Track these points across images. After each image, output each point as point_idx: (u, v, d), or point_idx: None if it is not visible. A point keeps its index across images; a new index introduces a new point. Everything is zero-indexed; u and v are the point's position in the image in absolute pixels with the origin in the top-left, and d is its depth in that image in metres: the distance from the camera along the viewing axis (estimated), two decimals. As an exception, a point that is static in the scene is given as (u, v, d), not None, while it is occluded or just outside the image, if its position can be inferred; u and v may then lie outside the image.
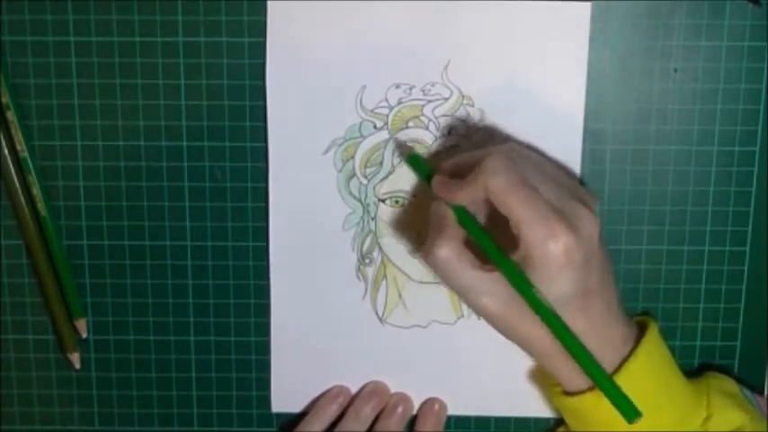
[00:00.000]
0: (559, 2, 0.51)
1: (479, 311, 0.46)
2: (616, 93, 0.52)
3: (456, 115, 0.52)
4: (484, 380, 0.55)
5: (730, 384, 0.51)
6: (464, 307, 0.54)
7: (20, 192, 0.53)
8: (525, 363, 0.55)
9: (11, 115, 0.52)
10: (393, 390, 0.55)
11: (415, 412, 0.56)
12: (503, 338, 0.54)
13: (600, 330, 0.46)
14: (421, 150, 0.52)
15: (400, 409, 0.55)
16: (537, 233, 0.43)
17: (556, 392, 0.50)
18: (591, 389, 0.47)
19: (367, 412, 0.54)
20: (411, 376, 0.55)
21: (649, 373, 0.47)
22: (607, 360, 0.46)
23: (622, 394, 0.44)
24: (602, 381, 0.44)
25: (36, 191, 0.53)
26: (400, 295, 0.54)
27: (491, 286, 0.45)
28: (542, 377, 0.54)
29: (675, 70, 0.52)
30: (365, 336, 0.55)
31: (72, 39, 0.52)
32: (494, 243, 0.45)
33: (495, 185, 0.43)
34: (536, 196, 0.43)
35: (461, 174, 0.46)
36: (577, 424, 0.50)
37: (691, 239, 0.53)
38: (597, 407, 0.46)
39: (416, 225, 0.53)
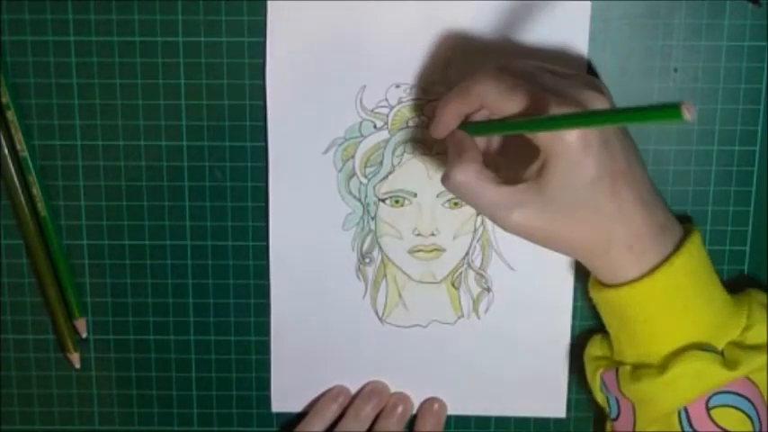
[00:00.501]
0: (559, 1, 0.51)
1: (513, 228, 0.45)
2: (616, 93, 0.51)
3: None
4: (484, 380, 0.55)
5: None
6: (464, 307, 0.54)
7: (20, 191, 0.53)
8: (525, 362, 0.55)
9: (11, 115, 0.52)
10: (393, 389, 0.55)
11: (414, 412, 0.56)
12: (503, 338, 0.54)
13: (632, 214, 0.45)
14: (419, 151, 0.52)
15: (400, 409, 0.55)
16: (546, 134, 0.42)
17: (594, 284, 0.49)
18: (625, 283, 0.46)
19: (367, 412, 0.54)
20: (411, 376, 0.55)
21: (692, 273, 0.46)
22: (645, 247, 0.45)
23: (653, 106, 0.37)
24: (625, 113, 0.39)
25: (36, 190, 0.53)
26: (400, 295, 0.54)
27: (519, 198, 0.45)
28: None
29: (675, 70, 0.52)
30: (365, 335, 0.55)
31: (72, 38, 0.52)
32: (517, 119, 0.43)
33: (490, 96, 0.44)
34: (536, 93, 0.43)
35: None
36: (611, 318, 0.49)
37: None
38: (631, 300, 0.46)
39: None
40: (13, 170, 0.53)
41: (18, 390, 0.56)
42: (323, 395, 0.55)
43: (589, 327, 0.54)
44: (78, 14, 0.52)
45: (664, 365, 0.46)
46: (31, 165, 0.53)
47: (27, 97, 0.53)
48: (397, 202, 0.53)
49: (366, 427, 0.54)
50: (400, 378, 0.55)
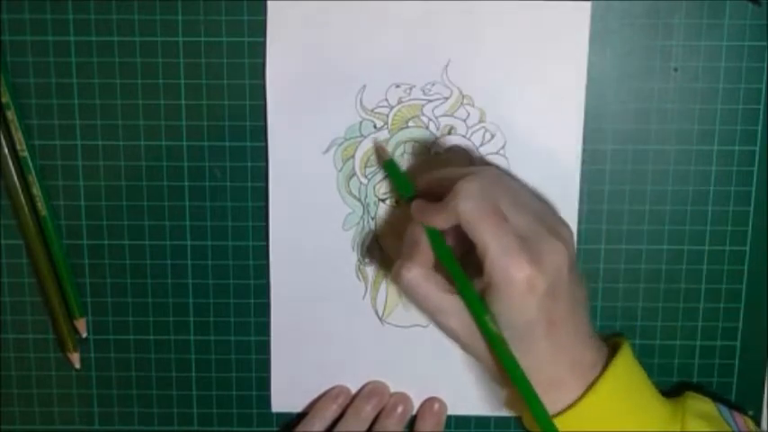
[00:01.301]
0: (559, 1, 0.51)
1: (447, 333, 0.47)
2: (616, 92, 0.52)
3: (456, 116, 0.52)
4: (484, 380, 0.55)
5: (707, 405, 0.51)
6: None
7: (20, 191, 0.53)
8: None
9: (11, 115, 0.52)
10: (393, 389, 0.55)
11: (415, 412, 0.56)
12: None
13: (566, 356, 0.46)
14: (419, 151, 0.52)
15: (400, 409, 0.55)
16: (500, 262, 0.43)
17: (528, 419, 0.50)
18: (554, 415, 0.47)
19: (367, 412, 0.54)
20: (411, 376, 0.55)
21: (618, 395, 0.47)
22: (575, 383, 0.47)
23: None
24: (539, 414, 0.45)
25: (36, 190, 0.53)
26: (400, 295, 0.54)
27: (455, 310, 0.46)
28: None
29: (675, 70, 0.52)
30: (365, 335, 0.55)
31: (72, 38, 0.52)
32: (458, 267, 0.46)
33: (465, 211, 0.44)
34: (504, 226, 0.44)
35: (439, 189, 0.47)
36: None
37: (691, 239, 0.53)
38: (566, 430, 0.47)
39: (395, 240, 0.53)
40: (13, 170, 0.53)
41: (18, 389, 0.56)
42: (323, 395, 0.55)
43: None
44: (78, 14, 0.52)
45: None
46: (31, 165, 0.53)
47: (27, 97, 0.53)
48: (397, 202, 0.53)
49: (366, 426, 0.54)
50: (400, 378, 0.55)
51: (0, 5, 0.52)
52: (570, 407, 0.47)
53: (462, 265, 0.46)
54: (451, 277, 0.46)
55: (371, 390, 0.55)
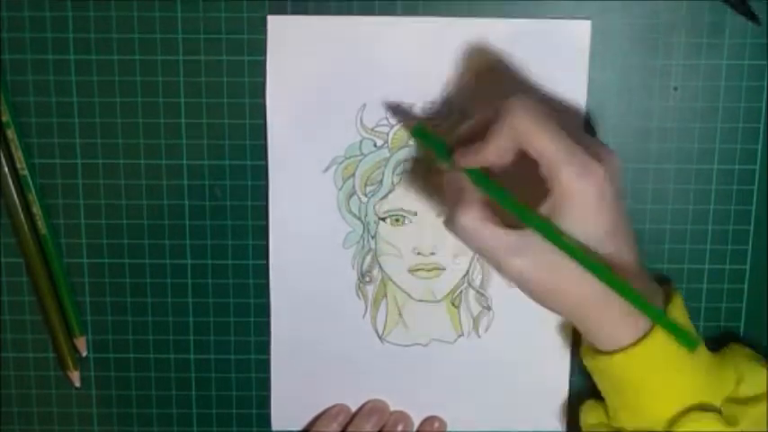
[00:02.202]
0: (560, 20, 0.51)
1: (513, 275, 0.44)
2: (616, 111, 0.52)
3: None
4: (484, 398, 0.55)
5: (752, 352, 0.51)
6: (464, 325, 0.54)
7: (20, 210, 0.53)
8: (525, 381, 0.55)
9: (11, 133, 0.52)
10: (393, 408, 0.55)
11: (414, 430, 0.55)
12: (503, 357, 0.54)
13: (631, 275, 0.44)
14: (419, 167, 0.52)
15: (400, 428, 0.55)
16: (571, 170, 0.42)
17: (588, 351, 0.49)
18: (621, 349, 0.46)
19: (367, 430, 0.54)
20: (411, 394, 0.55)
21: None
22: (633, 312, 0.44)
23: (676, 325, 0.42)
24: (655, 314, 0.43)
25: (36, 209, 0.53)
26: (400, 314, 0.54)
27: (522, 246, 0.44)
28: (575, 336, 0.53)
29: (675, 89, 0.52)
30: (365, 354, 0.55)
31: (72, 57, 0.52)
32: (514, 199, 0.43)
33: (523, 124, 0.42)
34: (563, 133, 0.43)
35: (474, 138, 0.45)
36: (607, 385, 0.48)
37: (690, 258, 0.53)
38: (627, 366, 0.46)
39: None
40: (13, 189, 0.53)
41: (18, 408, 0.56)
42: (323, 414, 0.55)
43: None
44: (78, 33, 0.52)
45: (668, 431, 0.46)
46: (31, 183, 0.53)
47: (27, 116, 0.53)
48: (397, 220, 0.53)
49: None
50: (400, 396, 0.55)
51: (0, 24, 0.52)
52: (639, 341, 0.45)
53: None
54: (509, 215, 0.44)
55: (372, 408, 0.55)
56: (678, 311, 0.47)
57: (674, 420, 0.46)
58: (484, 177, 0.44)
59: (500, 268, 0.45)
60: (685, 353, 0.44)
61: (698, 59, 0.51)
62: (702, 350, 0.48)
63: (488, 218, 0.44)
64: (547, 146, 0.42)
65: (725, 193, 0.52)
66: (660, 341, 0.45)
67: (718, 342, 0.52)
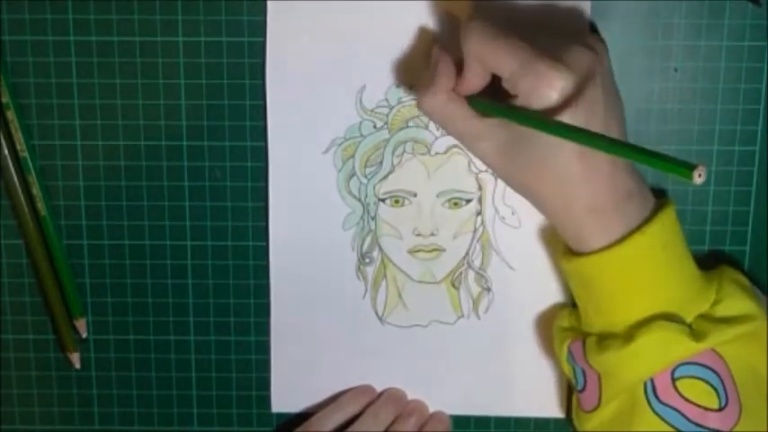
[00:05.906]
0: (559, 1, 0.51)
1: (481, 158, 0.47)
2: (616, 92, 0.52)
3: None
4: (484, 380, 0.55)
5: (742, 277, 0.50)
6: (464, 307, 0.54)
7: (20, 191, 0.53)
8: (525, 362, 0.55)
9: (11, 115, 0.52)
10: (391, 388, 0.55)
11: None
12: (503, 338, 0.54)
13: (597, 178, 0.44)
14: (421, 151, 0.52)
15: (413, 419, 0.54)
16: (528, 80, 0.43)
17: (564, 254, 0.48)
18: (594, 252, 0.46)
19: (386, 415, 0.54)
20: (411, 376, 0.55)
21: (663, 245, 0.46)
22: (609, 213, 0.45)
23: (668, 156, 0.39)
24: (638, 153, 0.40)
25: (36, 190, 0.53)
26: (400, 295, 0.54)
27: (487, 131, 0.46)
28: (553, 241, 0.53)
29: (675, 70, 0.52)
30: (365, 335, 0.55)
31: (72, 38, 0.52)
32: (520, 110, 0.44)
33: (476, 45, 0.44)
34: (518, 44, 0.43)
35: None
36: (581, 288, 0.48)
37: (691, 239, 0.53)
38: (602, 268, 0.46)
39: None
40: (13, 170, 0.53)
41: (18, 389, 0.56)
42: (349, 390, 0.55)
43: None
44: (78, 14, 0.52)
45: (630, 336, 0.45)
46: (31, 165, 0.53)
47: (27, 97, 0.53)
48: (396, 201, 0.53)
49: (383, 428, 0.54)
50: (400, 378, 0.55)
51: (0, 5, 0.52)
52: (613, 244, 0.45)
53: None
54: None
55: (390, 395, 0.55)
56: (668, 221, 0.46)
57: (638, 325, 0.46)
58: (482, 103, 0.46)
59: (469, 149, 0.48)
60: (663, 263, 0.45)
61: (698, 40, 0.51)
62: (686, 264, 0.47)
63: (455, 102, 0.46)
64: (502, 61, 0.43)
65: (725, 175, 0.52)
66: (632, 248, 0.45)
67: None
